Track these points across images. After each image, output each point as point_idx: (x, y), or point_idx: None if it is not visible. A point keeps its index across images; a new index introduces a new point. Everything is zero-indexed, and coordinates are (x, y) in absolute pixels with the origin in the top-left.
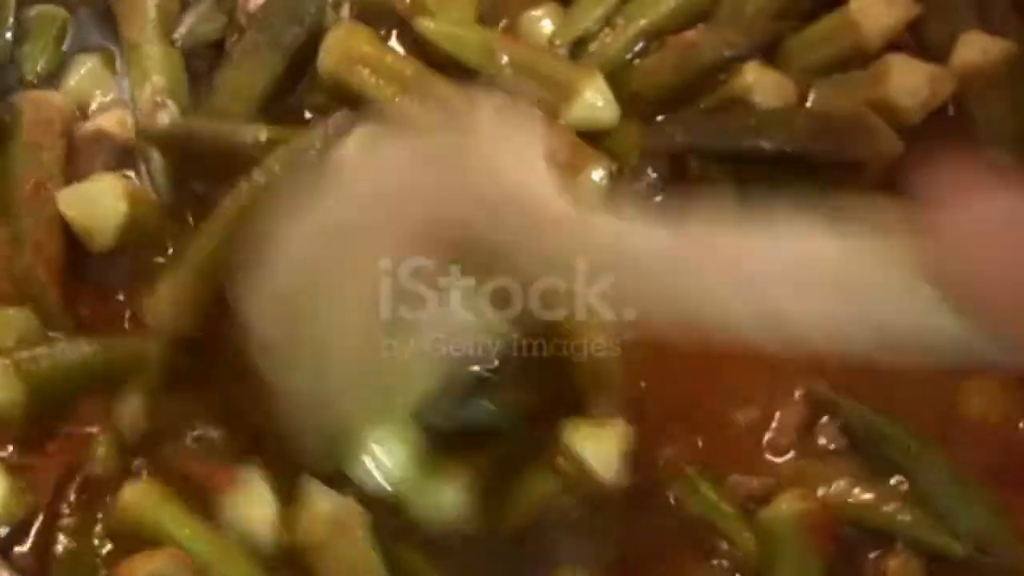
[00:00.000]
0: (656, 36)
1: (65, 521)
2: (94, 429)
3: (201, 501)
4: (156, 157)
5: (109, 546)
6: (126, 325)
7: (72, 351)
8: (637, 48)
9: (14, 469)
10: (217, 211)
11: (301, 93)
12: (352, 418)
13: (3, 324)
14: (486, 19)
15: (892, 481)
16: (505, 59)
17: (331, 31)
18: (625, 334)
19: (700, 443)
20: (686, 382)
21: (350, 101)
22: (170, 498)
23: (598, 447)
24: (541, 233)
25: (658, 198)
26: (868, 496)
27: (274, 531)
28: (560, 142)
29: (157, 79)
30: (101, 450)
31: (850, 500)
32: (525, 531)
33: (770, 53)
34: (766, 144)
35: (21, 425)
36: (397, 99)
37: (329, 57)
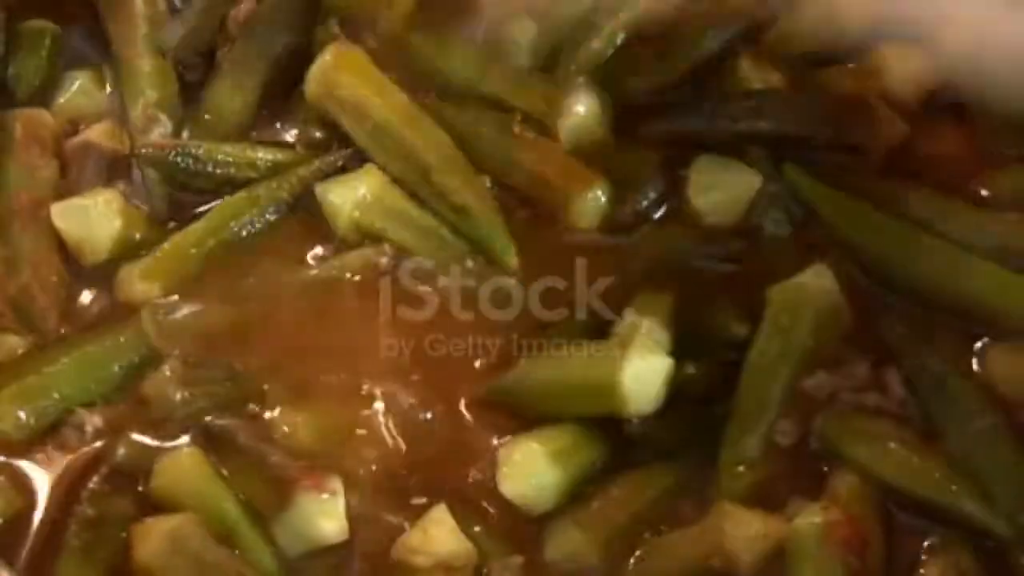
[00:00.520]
0: (636, 31)
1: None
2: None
3: (272, 488)
4: (150, 173)
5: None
6: None
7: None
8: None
9: None
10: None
11: (291, 105)
12: None
13: None
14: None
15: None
16: (495, 75)
17: (320, 57)
18: None
19: None
20: None
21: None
22: (206, 466)
23: None
24: None
25: (657, 214)
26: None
27: (335, 539)
28: (554, 163)
29: (150, 93)
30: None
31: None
32: None
33: (754, 42)
34: (765, 126)
35: None
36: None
37: (314, 86)
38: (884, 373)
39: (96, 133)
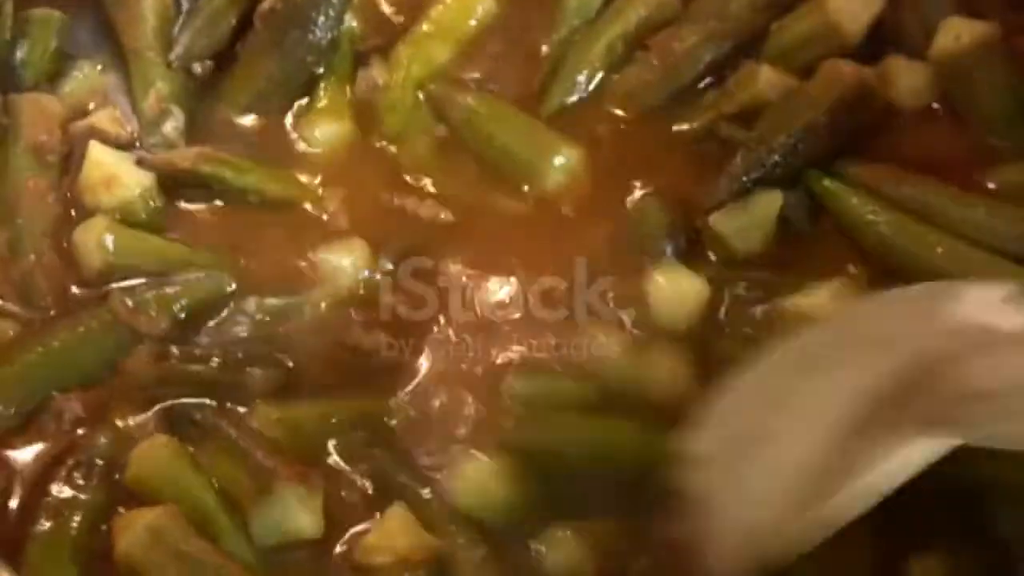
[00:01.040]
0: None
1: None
2: None
3: (254, 478)
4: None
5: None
6: None
7: None
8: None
9: None
10: None
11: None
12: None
13: None
14: None
15: None
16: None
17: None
18: None
19: None
20: None
21: None
22: (183, 455)
23: None
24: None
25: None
26: None
27: (311, 535)
28: None
29: (161, 85)
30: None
31: None
32: None
33: (753, 51)
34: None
35: None
36: None
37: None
38: None
39: (100, 119)
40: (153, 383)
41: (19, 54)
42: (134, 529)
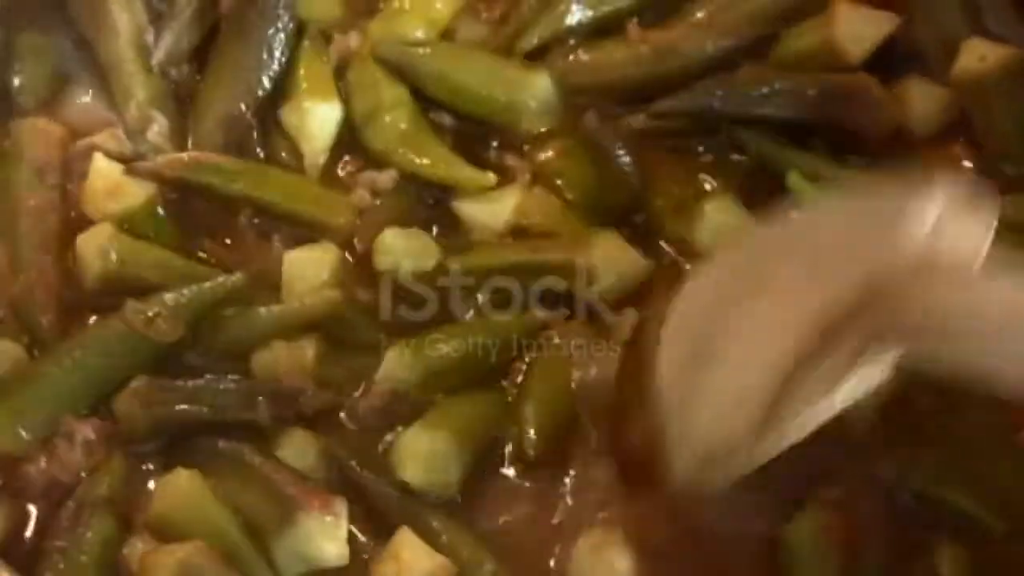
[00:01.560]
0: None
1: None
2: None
3: (273, 506)
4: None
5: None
6: None
7: None
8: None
9: None
10: None
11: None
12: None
13: None
14: None
15: None
16: None
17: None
18: None
19: None
20: None
21: None
22: (205, 489)
23: None
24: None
25: None
26: None
27: (336, 563)
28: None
29: (141, 94)
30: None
31: None
32: None
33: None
34: (777, 111)
35: None
36: None
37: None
38: None
39: (102, 138)
40: (143, 431)
41: (16, 81)
42: (167, 567)
